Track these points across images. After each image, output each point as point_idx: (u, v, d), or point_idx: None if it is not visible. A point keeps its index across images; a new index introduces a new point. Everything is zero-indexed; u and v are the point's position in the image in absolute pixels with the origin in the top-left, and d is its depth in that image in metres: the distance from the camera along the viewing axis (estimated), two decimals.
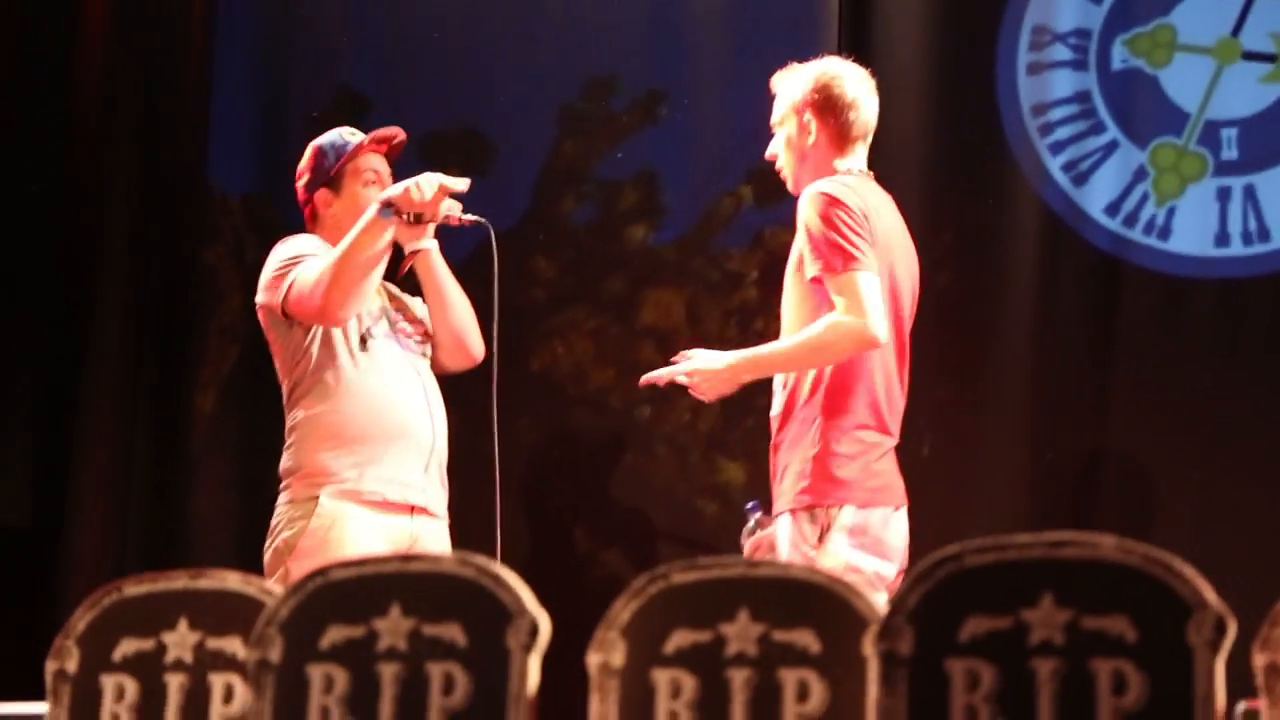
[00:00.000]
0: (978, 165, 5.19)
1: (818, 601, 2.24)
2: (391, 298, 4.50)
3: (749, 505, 4.24)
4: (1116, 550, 2.05)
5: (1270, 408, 4.88)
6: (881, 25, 5.27)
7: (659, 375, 4.13)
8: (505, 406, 4.43)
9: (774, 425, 4.12)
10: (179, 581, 2.46)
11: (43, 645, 2.81)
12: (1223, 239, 4.99)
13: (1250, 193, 4.98)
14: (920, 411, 4.82)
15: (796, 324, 4.07)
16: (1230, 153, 5.01)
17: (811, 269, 3.99)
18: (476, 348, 4.51)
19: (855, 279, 3.93)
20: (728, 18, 5.46)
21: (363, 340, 4.33)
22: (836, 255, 3.95)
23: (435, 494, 4.34)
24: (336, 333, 4.29)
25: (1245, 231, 4.98)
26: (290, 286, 4.24)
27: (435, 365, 4.49)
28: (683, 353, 4.14)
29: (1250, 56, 5.01)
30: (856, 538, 3.97)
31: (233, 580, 2.45)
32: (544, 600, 2.35)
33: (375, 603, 2.34)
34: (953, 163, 5.21)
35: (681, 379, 4.11)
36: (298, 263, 4.28)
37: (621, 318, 5.48)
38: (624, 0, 5.58)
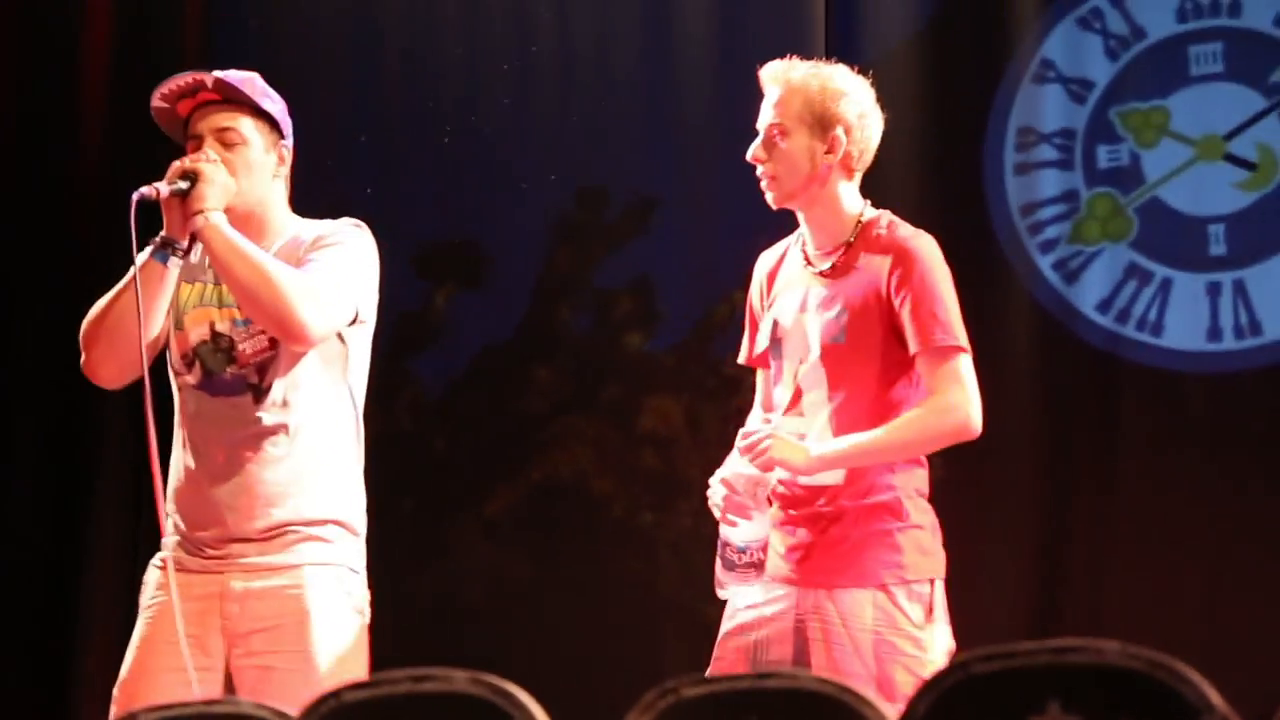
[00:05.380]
0: (969, 265, 5.23)
1: (828, 712, 2.25)
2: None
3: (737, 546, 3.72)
4: (1121, 655, 2.07)
5: (1269, 495, 4.90)
6: None
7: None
8: (506, 515, 4.44)
9: (818, 493, 3.69)
10: (194, 708, 2.48)
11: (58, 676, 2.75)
12: (1215, 333, 5.03)
13: (1240, 287, 5.03)
14: None
15: (871, 391, 3.67)
16: (1219, 248, 5.06)
17: (932, 340, 3.62)
18: (280, 327, 3.67)
19: (967, 362, 3.66)
20: (716, 123, 5.52)
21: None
22: (959, 330, 3.64)
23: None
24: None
25: (1237, 325, 5.02)
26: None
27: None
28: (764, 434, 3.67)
29: (1231, 160, 5.07)
30: (945, 612, 3.69)
31: (246, 705, 2.46)
32: (550, 711, 2.36)
33: None
34: None
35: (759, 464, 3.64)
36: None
37: (621, 425, 5.50)
38: (614, 109, 5.64)
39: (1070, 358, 5.11)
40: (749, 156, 3.80)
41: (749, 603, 3.74)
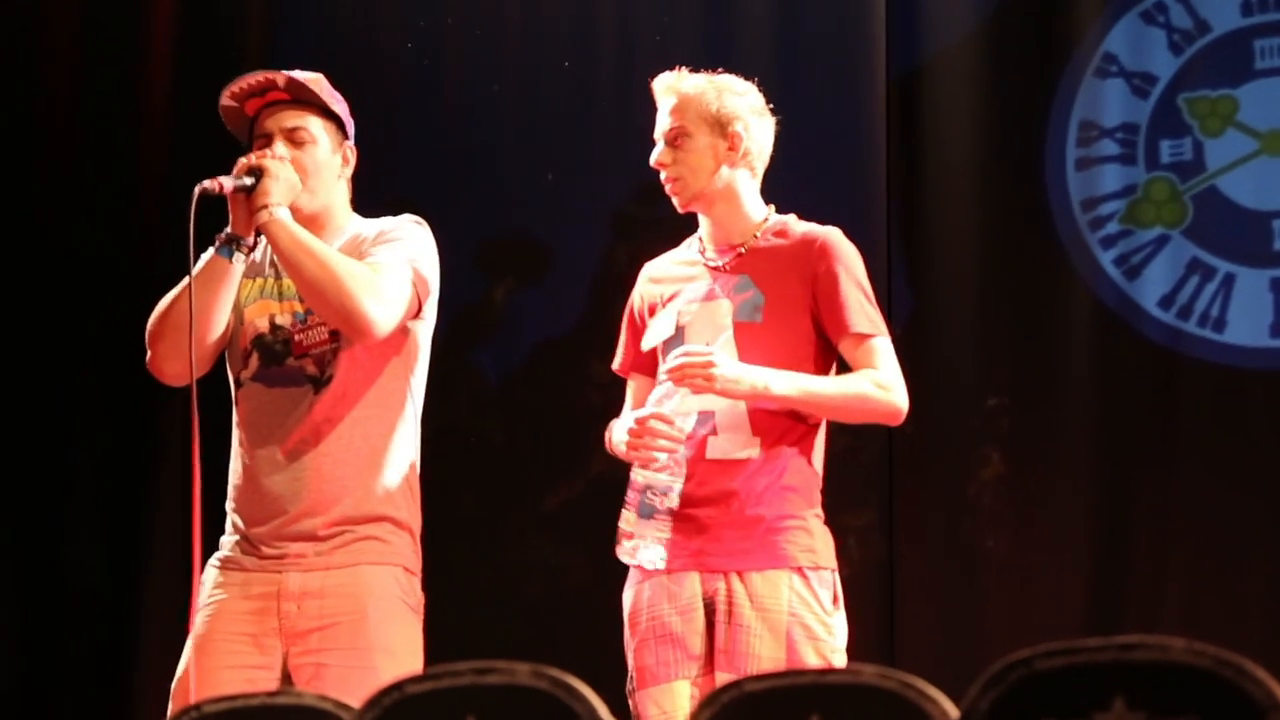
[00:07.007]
0: (1029, 260, 5.22)
1: (890, 707, 2.25)
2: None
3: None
4: (1187, 652, 2.05)
5: None
6: (930, 123, 5.32)
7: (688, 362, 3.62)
8: (565, 510, 4.45)
9: (737, 467, 3.65)
10: (257, 699, 2.48)
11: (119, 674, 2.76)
12: (1278, 329, 5.00)
13: None
14: (983, 506, 4.82)
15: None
16: None
17: (862, 325, 3.66)
18: (346, 322, 3.69)
19: (891, 347, 3.70)
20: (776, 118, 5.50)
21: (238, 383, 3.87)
22: (880, 317, 3.72)
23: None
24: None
25: None
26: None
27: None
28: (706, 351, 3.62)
29: None
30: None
31: (309, 697, 2.47)
32: (610, 703, 2.37)
33: (450, 717, 2.35)
34: (1004, 259, 5.24)
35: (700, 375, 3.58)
36: None
37: None
38: None
39: (1131, 353, 5.09)
40: (653, 162, 3.85)
41: (657, 588, 3.79)
